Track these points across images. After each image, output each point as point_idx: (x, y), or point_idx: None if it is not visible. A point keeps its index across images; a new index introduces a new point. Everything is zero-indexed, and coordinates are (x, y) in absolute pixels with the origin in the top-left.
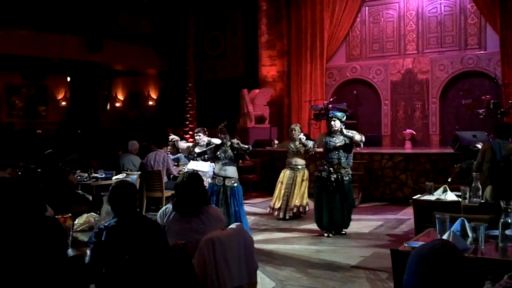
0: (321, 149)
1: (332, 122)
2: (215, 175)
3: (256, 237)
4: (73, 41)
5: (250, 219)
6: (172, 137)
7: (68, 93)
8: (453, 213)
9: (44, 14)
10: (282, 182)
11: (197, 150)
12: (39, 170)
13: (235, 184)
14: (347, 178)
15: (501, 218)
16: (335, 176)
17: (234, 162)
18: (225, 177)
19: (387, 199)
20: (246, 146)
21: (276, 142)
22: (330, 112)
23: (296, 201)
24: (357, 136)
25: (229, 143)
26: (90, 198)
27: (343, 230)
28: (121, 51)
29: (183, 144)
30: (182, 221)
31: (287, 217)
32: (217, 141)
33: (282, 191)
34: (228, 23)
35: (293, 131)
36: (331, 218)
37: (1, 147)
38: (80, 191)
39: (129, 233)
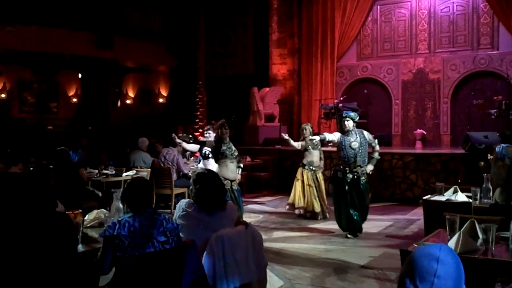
0: (334, 149)
1: (346, 122)
2: (221, 177)
3: (265, 235)
4: (84, 38)
5: (259, 217)
6: (178, 141)
7: (79, 90)
8: (463, 214)
9: (55, 10)
10: (303, 182)
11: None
12: (50, 166)
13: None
14: (363, 177)
15: None
16: (351, 176)
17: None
18: (232, 180)
19: (397, 199)
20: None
21: (286, 135)
22: (344, 112)
23: (317, 204)
24: (329, 136)
25: (229, 140)
26: (100, 194)
27: (357, 233)
28: (131, 48)
29: (189, 146)
30: (199, 216)
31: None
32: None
33: (308, 191)
34: (238, 20)
35: (304, 130)
36: (350, 220)
37: (13, 143)
38: (90, 187)
39: (142, 229)
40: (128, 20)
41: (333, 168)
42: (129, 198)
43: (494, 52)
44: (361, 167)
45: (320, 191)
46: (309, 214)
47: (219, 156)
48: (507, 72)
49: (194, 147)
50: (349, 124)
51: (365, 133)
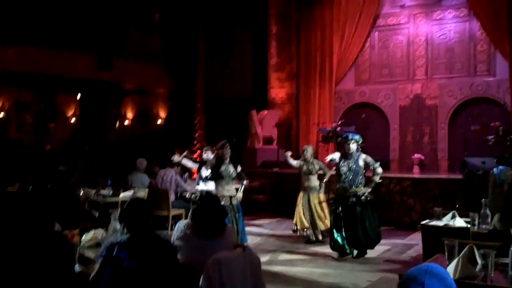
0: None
1: (351, 145)
2: (219, 196)
3: (262, 258)
4: (84, 59)
5: (257, 239)
6: (177, 159)
7: (78, 110)
8: (462, 239)
9: (55, 32)
10: (302, 205)
11: (203, 173)
12: (48, 186)
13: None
14: (363, 197)
15: (511, 247)
16: (352, 199)
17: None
18: (231, 196)
19: (394, 223)
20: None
21: (289, 154)
22: (348, 134)
23: (321, 225)
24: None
25: (228, 160)
26: (97, 214)
27: (366, 250)
28: (131, 70)
29: (189, 163)
30: (198, 240)
31: (320, 238)
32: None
33: (307, 213)
34: (237, 43)
35: (305, 152)
36: (349, 239)
37: (11, 163)
38: (87, 207)
39: (140, 251)
40: (128, 41)
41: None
42: (127, 219)
43: (491, 78)
44: (358, 187)
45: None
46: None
47: (216, 176)
48: (504, 99)
49: (194, 164)
50: (353, 147)
51: (363, 156)
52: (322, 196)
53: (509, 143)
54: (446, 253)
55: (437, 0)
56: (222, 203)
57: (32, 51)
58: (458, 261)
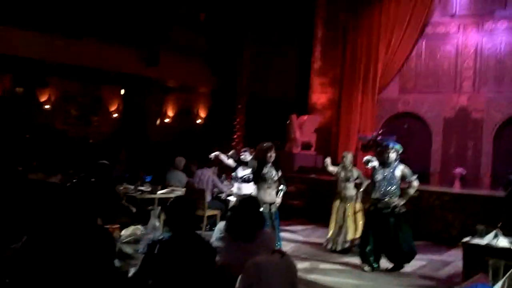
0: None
1: (390, 154)
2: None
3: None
4: (130, 54)
5: (290, 246)
6: (215, 154)
7: (121, 106)
8: (505, 260)
9: (103, 25)
10: (335, 213)
11: (239, 173)
12: (92, 179)
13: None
14: (396, 208)
15: None
16: (386, 210)
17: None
18: (271, 203)
19: (431, 238)
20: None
21: (328, 160)
22: (389, 142)
23: (349, 235)
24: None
25: (271, 164)
26: (134, 210)
27: (403, 264)
28: (175, 67)
29: (228, 160)
30: (236, 242)
31: (339, 249)
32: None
33: (334, 223)
34: (282, 46)
35: (345, 158)
36: (378, 251)
37: (54, 154)
38: (125, 203)
39: (182, 250)
40: (174, 39)
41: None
42: (171, 217)
43: None
44: (394, 197)
45: (348, 222)
46: (339, 247)
47: (258, 179)
48: None
49: (231, 162)
50: (393, 156)
51: (401, 166)
52: (358, 206)
53: None
54: (490, 273)
55: (490, 10)
56: (261, 209)
57: (80, 43)
58: (503, 283)
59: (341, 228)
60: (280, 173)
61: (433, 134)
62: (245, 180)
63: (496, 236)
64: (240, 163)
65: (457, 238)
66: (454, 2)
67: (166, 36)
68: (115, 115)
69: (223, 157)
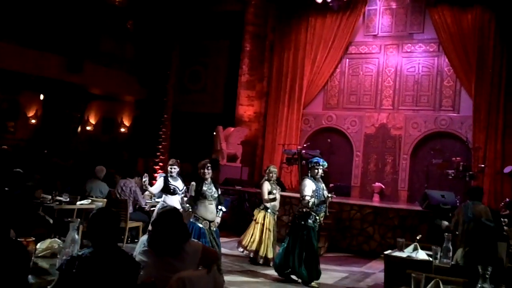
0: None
1: (320, 170)
2: (198, 217)
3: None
4: (53, 60)
5: None
6: (146, 187)
7: (39, 111)
8: (424, 273)
9: (24, 29)
10: (263, 225)
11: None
12: (6, 189)
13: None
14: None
15: (478, 283)
16: (317, 224)
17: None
18: (210, 221)
19: (353, 250)
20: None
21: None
22: (316, 159)
23: (272, 253)
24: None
25: (210, 181)
26: (51, 221)
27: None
28: (101, 75)
29: (153, 189)
30: (157, 256)
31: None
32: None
33: (266, 236)
34: (211, 58)
35: (272, 174)
36: (310, 267)
37: None
38: (41, 213)
39: (103, 266)
40: (100, 46)
41: (297, 214)
42: (91, 231)
43: (455, 114)
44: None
45: (275, 236)
46: (262, 261)
47: (199, 197)
48: (466, 135)
49: (157, 188)
50: (320, 171)
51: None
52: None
53: (468, 179)
54: (412, 286)
55: (409, 34)
56: (201, 226)
57: (1, 46)
58: None
59: (271, 242)
60: (219, 191)
61: (354, 149)
62: (171, 192)
63: (415, 249)
64: (168, 177)
65: (377, 251)
66: (376, 23)
67: (92, 43)
68: (33, 121)
69: (150, 189)
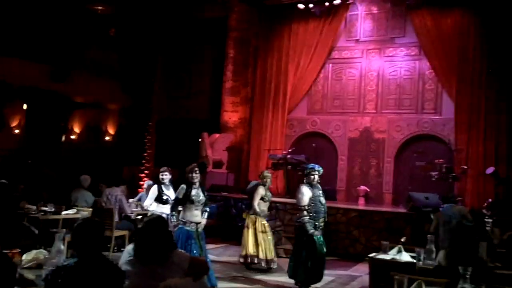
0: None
1: (316, 176)
2: (185, 221)
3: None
4: (36, 68)
5: None
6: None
7: (23, 121)
8: (408, 274)
9: (7, 38)
10: (255, 229)
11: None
12: None
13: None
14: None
15: (459, 284)
16: (318, 231)
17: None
18: (197, 223)
19: (339, 254)
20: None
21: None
22: (312, 164)
23: (272, 253)
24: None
25: (198, 185)
26: (36, 232)
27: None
28: (84, 83)
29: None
30: (143, 265)
31: (272, 267)
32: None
33: (262, 237)
34: (196, 65)
35: (267, 179)
36: (309, 271)
37: None
38: (26, 223)
39: (89, 276)
40: (84, 54)
41: (297, 224)
42: (76, 241)
43: (437, 117)
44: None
45: (272, 237)
46: (265, 263)
47: (186, 201)
48: (449, 137)
49: (151, 198)
50: (316, 177)
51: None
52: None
53: (451, 180)
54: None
55: (390, 38)
56: (188, 228)
57: None
58: None
59: (261, 241)
60: (206, 195)
61: (339, 153)
62: (163, 201)
63: (399, 251)
64: (161, 184)
65: (363, 254)
66: (358, 28)
67: (75, 51)
68: (17, 131)
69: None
